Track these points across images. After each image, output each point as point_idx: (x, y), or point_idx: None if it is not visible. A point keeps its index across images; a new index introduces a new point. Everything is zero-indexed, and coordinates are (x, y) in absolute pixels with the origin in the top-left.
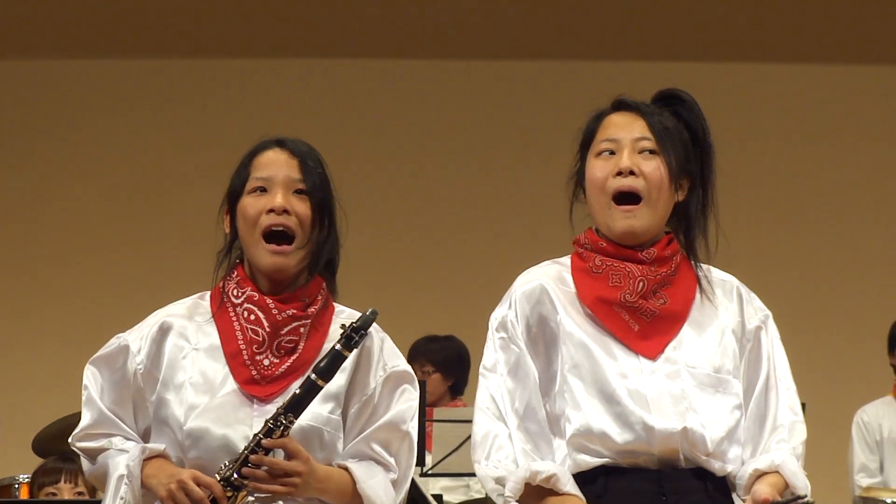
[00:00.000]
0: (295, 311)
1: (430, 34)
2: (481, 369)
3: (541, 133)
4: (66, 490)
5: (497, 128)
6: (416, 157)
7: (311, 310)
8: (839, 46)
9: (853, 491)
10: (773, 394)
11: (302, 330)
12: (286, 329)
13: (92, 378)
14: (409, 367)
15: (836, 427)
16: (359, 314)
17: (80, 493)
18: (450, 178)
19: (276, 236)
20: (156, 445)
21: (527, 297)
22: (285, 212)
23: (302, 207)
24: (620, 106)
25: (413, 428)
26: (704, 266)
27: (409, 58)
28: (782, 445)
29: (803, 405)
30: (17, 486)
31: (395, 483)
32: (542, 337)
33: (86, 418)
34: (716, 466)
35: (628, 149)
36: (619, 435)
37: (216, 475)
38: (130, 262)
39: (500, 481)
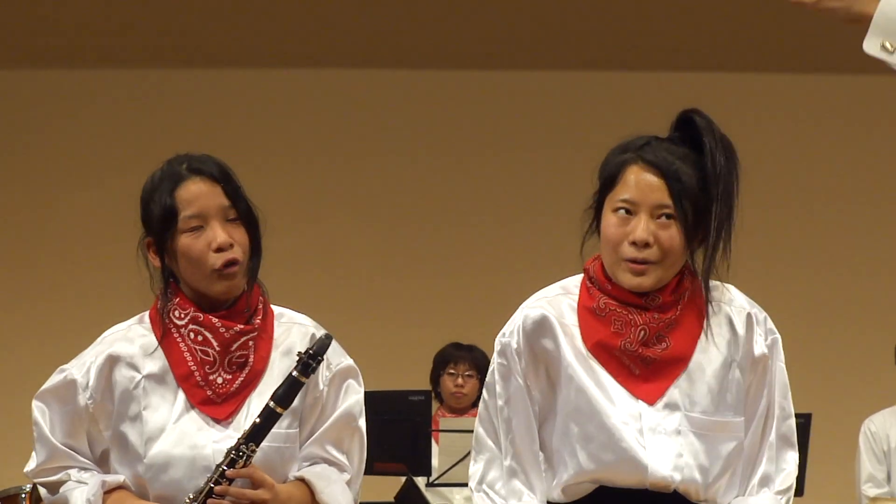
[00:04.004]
0: (242, 326)
1: (432, 44)
2: (485, 386)
3: (543, 143)
4: None
5: (501, 137)
6: (419, 164)
7: (257, 321)
8: (853, 56)
9: (860, 501)
10: (770, 425)
11: (251, 343)
12: (235, 345)
13: (40, 414)
14: (352, 362)
15: (844, 437)
16: (298, 315)
17: None
18: (449, 187)
19: (227, 265)
20: (115, 477)
21: (532, 329)
22: (231, 246)
23: (240, 235)
24: (643, 158)
25: (362, 423)
26: (720, 287)
27: (423, 68)
28: (766, 490)
29: (810, 415)
30: (23, 495)
31: (349, 482)
32: (546, 368)
33: (40, 455)
34: None
35: (645, 216)
36: (613, 481)
37: None
38: (136, 277)
39: None
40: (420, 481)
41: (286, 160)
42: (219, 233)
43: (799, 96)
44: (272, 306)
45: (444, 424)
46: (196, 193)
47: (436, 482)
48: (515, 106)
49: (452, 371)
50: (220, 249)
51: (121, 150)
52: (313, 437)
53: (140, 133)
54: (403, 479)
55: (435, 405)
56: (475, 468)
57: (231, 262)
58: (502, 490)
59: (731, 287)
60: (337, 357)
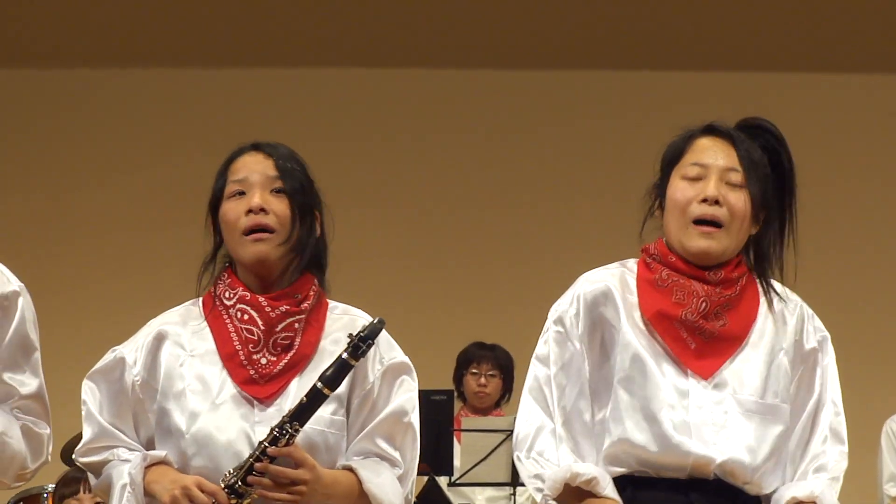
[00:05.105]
0: (288, 307)
1: (458, 43)
2: (534, 357)
3: (570, 141)
4: (86, 500)
5: (526, 134)
6: (442, 162)
7: (305, 305)
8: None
9: (882, 501)
10: (821, 417)
11: (297, 326)
12: (281, 326)
13: (90, 392)
14: (406, 358)
15: (866, 436)
16: (354, 309)
17: (99, 503)
18: (472, 186)
19: (255, 230)
20: (157, 452)
21: (592, 297)
22: (262, 210)
23: (280, 206)
24: (712, 130)
25: (415, 419)
26: (773, 281)
27: (448, 67)
28: (822, 475)
29: None
30: (45, 495)
31: (401, 478)
32: (601, 339)
33: (87, 433)
34: (751, 491)
35: (716, 177)
36: (655, 454)
37: (221, 482)
38: (155, 272)
39: (539, 477)
40: (442, 481)
41: (305, 157)
42: (255, 198)
43: (802, 95)
44: (330, 300)
45: (466, 424)
46: (246, 163)
47: (458, 482)
48: (543, 103)
49: (475, 371)
50: (251, 212)
51: (136, 148)
52: (364, 431)
53: (155, 132)
54: (426, 478)
55: (458, 405)
56: (524, 434)
57: (259, 227)
58: (553, 457)
59: (779, 284)
60: (390, 351)
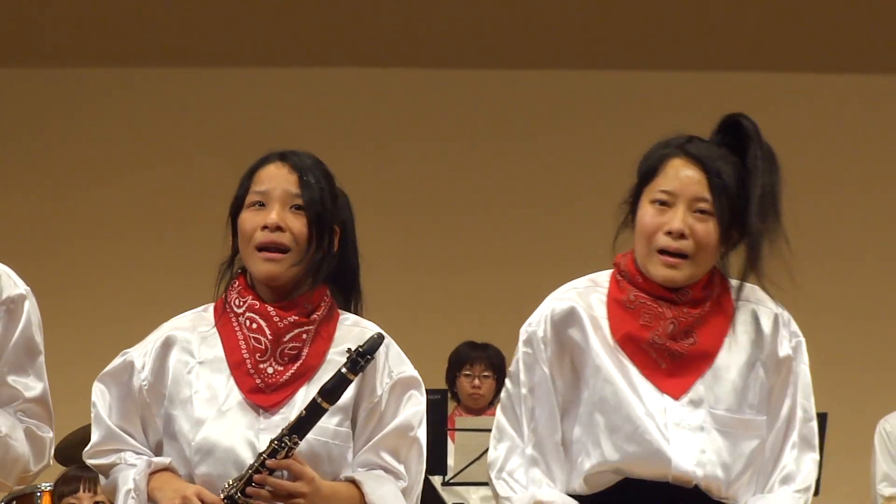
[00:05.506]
0: (297, 318)
1: (455, 44)
2: (507, 373)
3: (561, 142)
4: (85, 499)
5: (517, 135)
6: (435, 161)
7: (314, 316)
8: (870, 56)
9: (875, 501)
10: (794, 424)
11: (305, 336)
12: (288, 336)
13: (100, 395)
14: (415, 373)
15: (859, 437)
16: (364, 321)
17: (99, 503)
18: (464, 184)
19: (269, 247)
20: (161, 459)
21: (560, 318)
22: (278, 228)
23: (297, 224)
24: (686, 151)
25: (421, 434)
26: (747, 287)
27: (442, 67)
28: (787, 487)
29: (825, 415)
30: (38, 493)
31: (405, 491)
32: (571, 359)
33: (95, 435)
34: (728, 503)
35: (683, 207)
36: (635, 469)
37: (220, 493)
38: (154, 272)
39: (508, 500)
40: (436, 480)
41: None
42: (272, 214)
43: (802, 96)
44: (343, 312)
45: (460, 423)
46: (270, 174)
47: (452, 481)
48: (533, 104)
49: (468, 372)
50: (265, 228)
51: (136, 148)
52: (370, 443)
53: (155, 132)
54: None
55: (451, 404)
56: (495, 455)
57: (273, 245)
58: (522, 478)
59: (756, 288)
60: (400, 365)
